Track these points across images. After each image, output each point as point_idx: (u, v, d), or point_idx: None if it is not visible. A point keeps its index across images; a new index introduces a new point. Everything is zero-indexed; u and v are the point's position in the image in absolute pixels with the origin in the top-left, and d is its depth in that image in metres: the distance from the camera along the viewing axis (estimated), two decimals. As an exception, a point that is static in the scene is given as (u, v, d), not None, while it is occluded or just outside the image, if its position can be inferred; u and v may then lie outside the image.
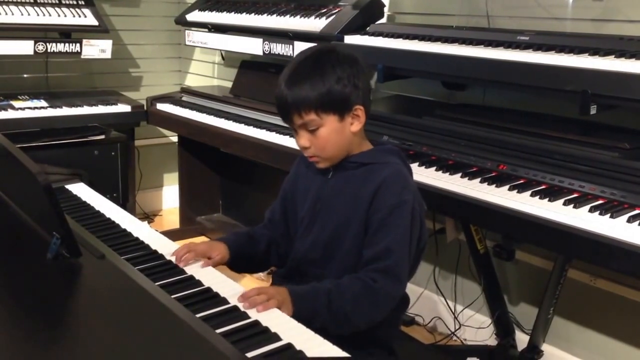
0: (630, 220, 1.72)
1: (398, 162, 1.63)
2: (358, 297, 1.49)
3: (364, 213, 1.56)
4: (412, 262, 1.62)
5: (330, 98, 1.53)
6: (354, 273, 1.54)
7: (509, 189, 1.98)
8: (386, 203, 1.54)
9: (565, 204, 1.85)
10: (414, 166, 2.20)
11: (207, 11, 3.65)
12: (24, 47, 3.39)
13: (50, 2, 3.55)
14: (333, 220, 1.62)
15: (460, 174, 2.12)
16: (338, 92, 1.53)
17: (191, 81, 4.42)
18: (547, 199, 1.88)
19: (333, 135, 1.56)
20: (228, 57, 4.05)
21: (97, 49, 3.60)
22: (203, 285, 1.46)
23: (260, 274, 3.34)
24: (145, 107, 3.80)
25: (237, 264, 1.71)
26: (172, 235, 2.26)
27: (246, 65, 3.70)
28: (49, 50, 3.46)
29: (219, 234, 3.57)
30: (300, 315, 1.40)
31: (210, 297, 1.40)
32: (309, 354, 1.19)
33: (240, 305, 1.36)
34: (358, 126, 1.59)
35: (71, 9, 3.59)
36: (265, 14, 3.26)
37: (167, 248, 1.66)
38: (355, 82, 1.55)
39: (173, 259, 1.59)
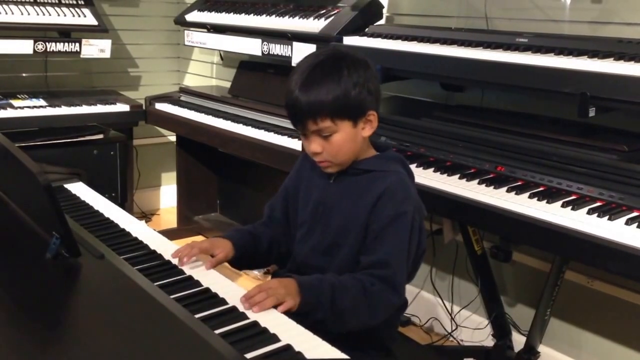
0: (629, 222, 1.73)
1: (401, 171, 1.62)
2: (357, 298, 1.48)
3: (364, 220, 1.55)
4: (410, 269, 1.61)
5: (346, 103, 1.50)
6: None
7: (507, 191, 1.98)
8: (387, 213, 1.53)
9: (563, 205, 1.85)
10: (412, 167, 2.20)
11: (206, 11, 3.66)
12: (24, 47, 3.39)
13: (49, 1, 3.55)
14: (334, 225, 1.61)
15: (458, 175, 2.12)
16: (354, 97, 1.50)
17: (190, 81, 4.42)
18: (545, 200, 1.89)
19: (346, 141, 1.54)
20: (227, 58, 4.06)
21: (96, 48, 3.60)
22: (202, 286, 1.46)
23: (256, 273, 3.34)
24: (143, 107, 3.80)
25: (239, 262, 1.70)
26: (169, 234, 2.26)
27: (245, 66, 3.71)
28: (48, 50, 3.47)
29: (216, 233, 3.57)
30: (305, 306, 1.41)
31: (209, 297, 1.40)
32: (307, 356, 1.19)
33: (241, 306, 1.36)
34: (370, 131, 1.57)
35: (71, 8, 3.59)
36: (264, 15, 3.26)
37: (165, 248, 1.66)
38: (369, 87, 1.53)
39: (175, 260, 1.57)
